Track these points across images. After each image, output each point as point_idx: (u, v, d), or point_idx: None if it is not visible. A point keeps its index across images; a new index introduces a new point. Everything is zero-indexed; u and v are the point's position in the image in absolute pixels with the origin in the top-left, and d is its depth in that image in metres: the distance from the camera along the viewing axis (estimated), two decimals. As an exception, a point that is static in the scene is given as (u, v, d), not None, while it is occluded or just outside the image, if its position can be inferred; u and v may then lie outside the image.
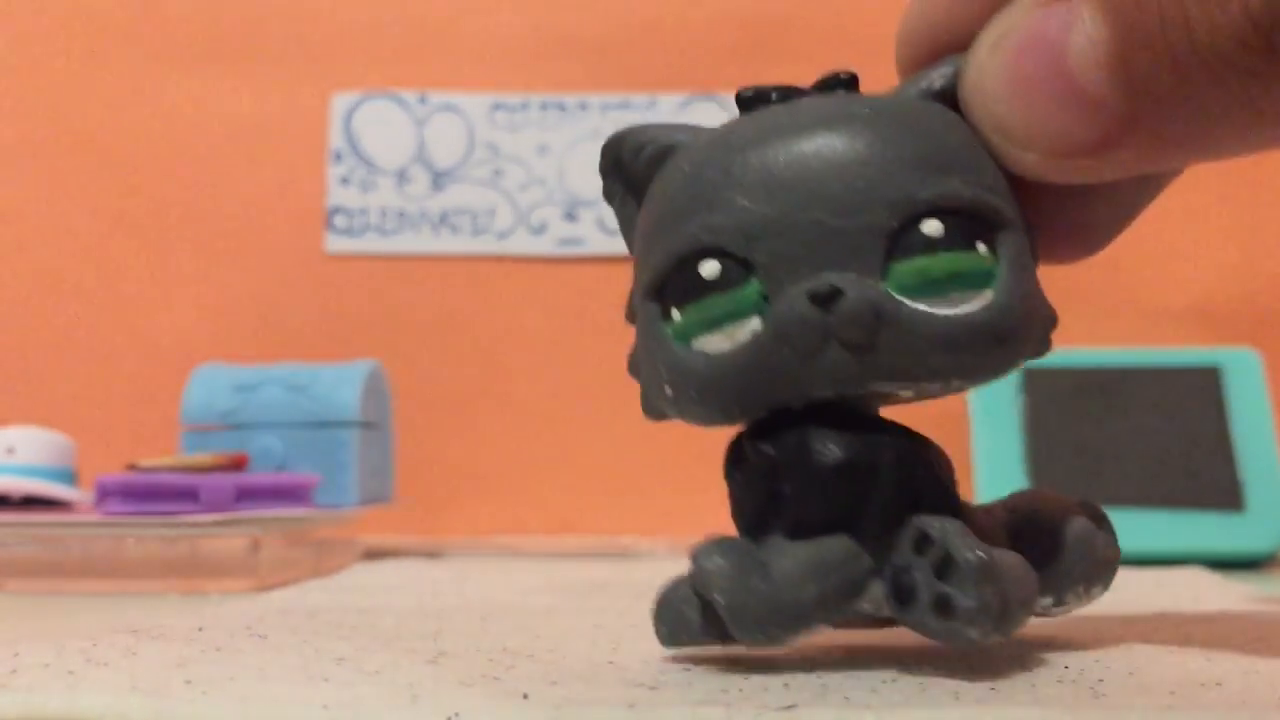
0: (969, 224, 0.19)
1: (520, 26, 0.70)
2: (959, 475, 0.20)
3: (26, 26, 0.71)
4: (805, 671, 0.19)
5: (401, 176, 0.70)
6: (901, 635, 0.20)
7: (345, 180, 0.70)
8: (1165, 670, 0.19)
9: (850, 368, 0.19)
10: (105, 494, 0.40)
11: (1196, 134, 0.17)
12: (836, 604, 0.19)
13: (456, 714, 0.16)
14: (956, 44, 0.20)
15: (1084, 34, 0.17)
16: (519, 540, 0.59)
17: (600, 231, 0.69)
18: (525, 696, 0.17)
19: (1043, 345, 0.20)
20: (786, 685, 0.18)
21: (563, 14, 0.70)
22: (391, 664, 0.20)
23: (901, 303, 0.18)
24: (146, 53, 0.71)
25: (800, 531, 0.19)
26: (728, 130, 0.20)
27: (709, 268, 0.19)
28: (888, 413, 0.21)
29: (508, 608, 0.30)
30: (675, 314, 0.20)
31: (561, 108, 0.70)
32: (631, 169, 0.22)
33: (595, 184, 0.72)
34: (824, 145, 0.19)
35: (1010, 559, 0.18)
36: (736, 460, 0.20)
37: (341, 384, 0.51)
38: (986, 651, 0.20)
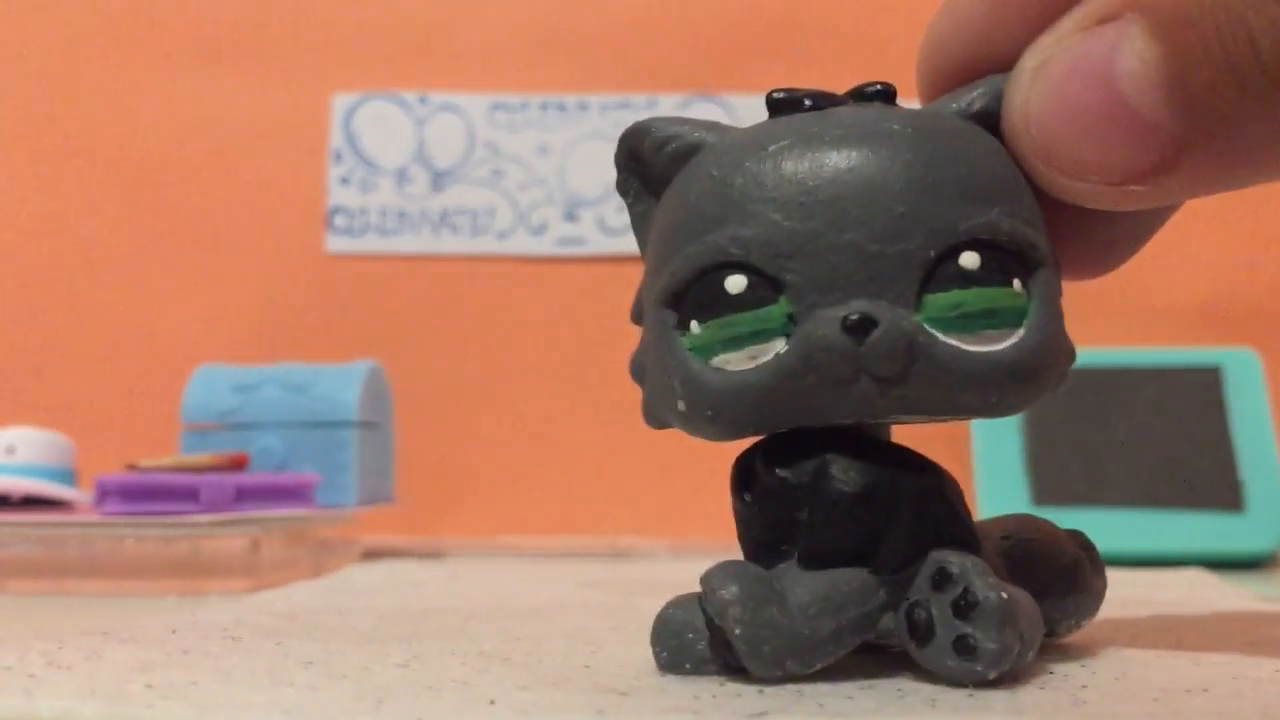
0: (1006, 259, 0.18)
1: (520, 26, 0.70)
2: (959, 476, 0.20)
3: (27, 26, 0.71)
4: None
5: (401, 176, 0.69)
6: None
7: (345, 180, 0.70)
8: (1152, 675, 0.19)
9: (876, 400, 0.18)
10: (105, 494, 0.40)
11: (1262, 154, 0.17)
12: (850, 638, 0.18)
13: (418, 721, 0.15)
14: (990, 60, 0.20)
15: (1134, 55, 0.16)
16: (519, 540, 0.59)
17: (600, 231, 0.68)
18: (492, 702, 0.17)
19: (1062, 381, 0.20)
20: (760, 691, 0.18)
21: (563, 14, 0.70)
22: (361, 668, 0.20)
23: (935, 337, 0.18)
24: (146, 53, 0.71)
25: (815, 560, 0.18)
26: (760, 135, 0.19)
27: (735, 282, 0.18)
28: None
29: (492, 609, 0.29)
30: (695, 326, 0.19)
31: (561, 108, 0.69)
32: (651, 164, 0.21)
33: (595, 184, 0.72)
34: (864, 163, 0.18)
35: (1022, 597, 0.18)
36: (747, 481, 0.20)
37: (341, 384, 0.51)
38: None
